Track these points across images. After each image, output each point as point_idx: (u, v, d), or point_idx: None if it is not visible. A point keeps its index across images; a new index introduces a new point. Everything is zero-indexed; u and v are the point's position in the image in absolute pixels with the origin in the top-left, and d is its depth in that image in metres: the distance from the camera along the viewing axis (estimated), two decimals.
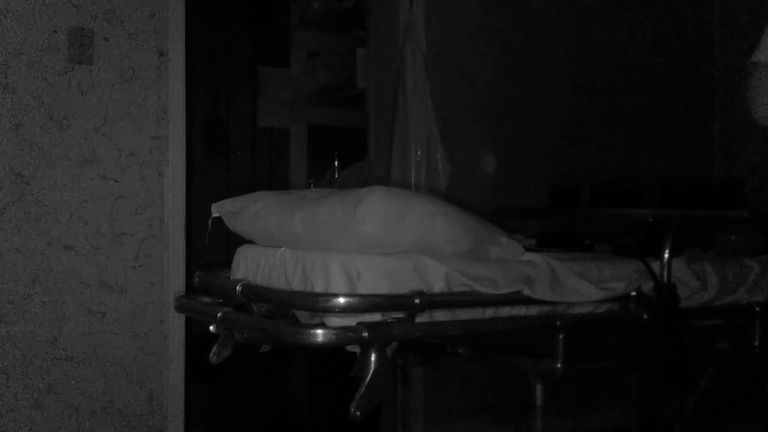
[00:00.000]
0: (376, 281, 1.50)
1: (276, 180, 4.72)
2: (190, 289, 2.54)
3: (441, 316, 1.61)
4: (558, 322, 1.73)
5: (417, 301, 1.52)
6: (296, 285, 1.60)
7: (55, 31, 2.78)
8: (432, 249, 1.56)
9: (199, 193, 3.69)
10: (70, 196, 2.80)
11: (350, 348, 1.53)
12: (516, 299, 1.67)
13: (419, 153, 3.32)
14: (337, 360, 1.70)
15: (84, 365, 2.82)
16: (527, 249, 1.74)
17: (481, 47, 3.58)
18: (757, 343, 2.08)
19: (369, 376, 1.46)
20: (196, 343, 2.65)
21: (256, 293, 1.69)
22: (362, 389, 1.46)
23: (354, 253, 1.52)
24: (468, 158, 3.52)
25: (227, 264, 1.88)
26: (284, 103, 4.68)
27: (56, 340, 2.78)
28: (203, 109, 4.55)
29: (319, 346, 1.45)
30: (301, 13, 4.60)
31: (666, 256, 1.84)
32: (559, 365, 1.75)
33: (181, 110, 2.99)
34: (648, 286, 1.84)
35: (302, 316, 1.67)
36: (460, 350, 2.02)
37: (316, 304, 1.51)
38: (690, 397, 2.50)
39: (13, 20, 2.72)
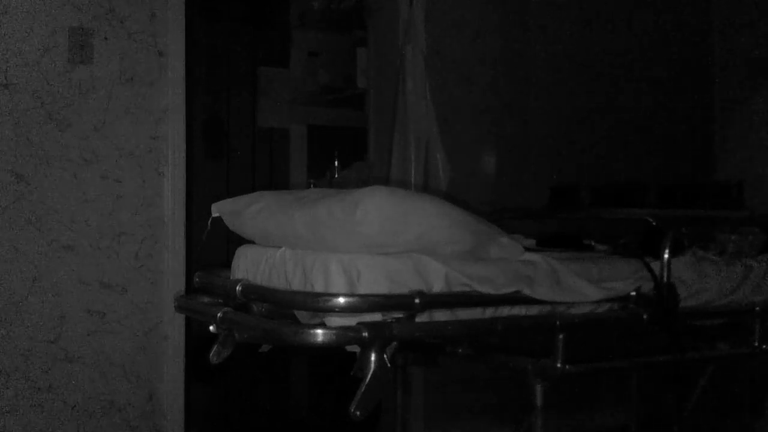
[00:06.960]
0: (376, 281, 1.50)
1: (276, 180, 4.73)
2: (190, 289, 2.54)
3: (441, 316, 1.61)
4: (558, 322, 1.73)
5: (417, 301, 1.51)
6: (296, 285, 1.60)
7: (55, 31, 2.78)
8: (432, 249, 1.56)
9: (199, 193, 3.70)
10: (70, 196, 2.80)
11: (350, 348, 1.53)
12: (516, 299, 1.66)
13: (419, 153, 3.32)
14: (337, 360, 1.70)
15: (84, 365, 2.82)
16: (527, 249, 1.73)
17: (481, 47, 3.58)
18: (757, 343, 2.08)
19: (369, 376, 1.46)
20: (196, 343, 2.65)
21: (256, 293, 1.69)
22: (362, 389, 1.45)
23: (354, 253, 1.52)
24: (468, 158, 3.52)
25: (227, 264, 1.88)
26: (284, 103, 4.69)
27: (56, 340, 2.78)
28: (203, 109, 4.56)
29: (319, 346, 1.45)
30: (301, 13, 4.61)
31: (666, 256, 1.84)
32: (559, 365, 1.75)
33: (181, 110, 3.00)
34: (648, 286, 1.84)
35: (302, 316, 1.67)
36: (460, 350, 2.02)
37: (316, 304, 1.50)
38: (690, 397, 2.50)
39: (13, 20, 2.72)
